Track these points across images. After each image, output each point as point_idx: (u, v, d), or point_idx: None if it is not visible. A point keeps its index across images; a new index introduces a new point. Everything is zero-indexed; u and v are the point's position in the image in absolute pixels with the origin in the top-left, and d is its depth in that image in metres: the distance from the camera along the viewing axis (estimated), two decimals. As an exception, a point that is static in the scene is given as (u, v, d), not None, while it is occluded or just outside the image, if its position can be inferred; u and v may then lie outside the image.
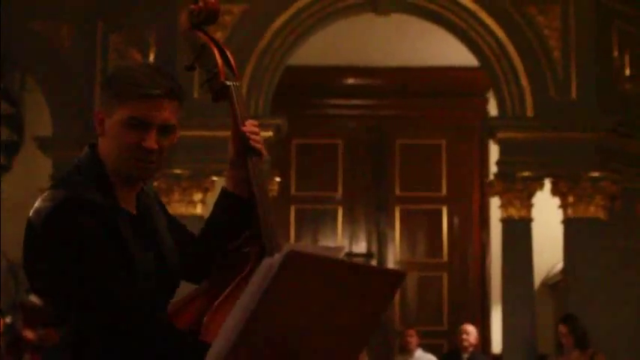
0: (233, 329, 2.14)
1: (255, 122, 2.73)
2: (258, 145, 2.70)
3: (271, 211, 2.67)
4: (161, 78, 2.50)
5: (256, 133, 2.71)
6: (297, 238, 12.27)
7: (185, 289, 2.66)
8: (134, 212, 2.55)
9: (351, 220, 12.56)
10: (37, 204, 2.42)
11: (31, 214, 2.42)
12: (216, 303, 2.49)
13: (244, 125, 2.70)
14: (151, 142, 2.46)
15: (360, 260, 11.77)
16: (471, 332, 10.01)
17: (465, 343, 9.97)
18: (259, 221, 2.64)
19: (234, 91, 2.74)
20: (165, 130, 2.50)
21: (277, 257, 2.13)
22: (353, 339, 2.41)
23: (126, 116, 2.44)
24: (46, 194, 2.43)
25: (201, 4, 2.78)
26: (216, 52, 2.76)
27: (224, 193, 2.76)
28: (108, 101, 2.49)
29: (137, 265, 2.42)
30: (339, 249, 2.43)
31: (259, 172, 2.69)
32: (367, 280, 2.33)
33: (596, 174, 9.79)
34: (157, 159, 2.50)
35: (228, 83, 2.74)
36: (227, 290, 2.52)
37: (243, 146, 2.69)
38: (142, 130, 2.45)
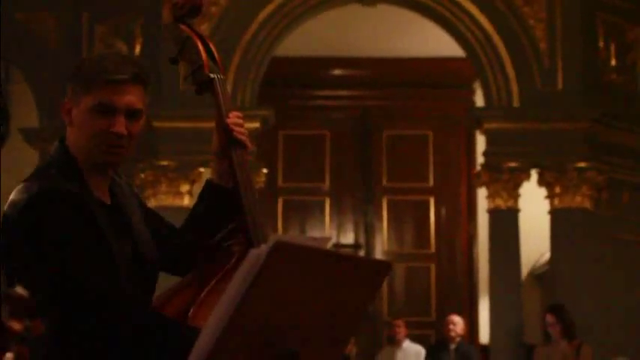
0: (221, 320, 2.14)
1: (240, 114, 2.73)
2: (242, 137, 2.70)
3: (256, 203, 2.67)
4: (125, 64, 2.51)
5: (240, 125, 2.71)
6: (285, 229, 12.27)
7: (169, 282, 2.65)
8: (108, 201, 2.55)
9: (338, 211, 12.56)
10: (11, 197, 2.43)
11: (6, 207, 2.43)
12: (201, 296, 2.48)
13: (228, 117, 2.70)
14: (120, 126, 2.46)
15: (347, 251, 11.78)
16: (457, 323, 10.03)
17: (452, 334, 9.99)
18: (244, 213, 2.63)
19: (218, 83, 2.73)
20: (132, 114, 2.49)
21: (264, 248, 2.12)
22: (340, 329, 2.41)
23: (92, 103, 2.45)
24: (20, 187, 2.43)
25: None
26: (199, 45, 2.76)
27: (208, 184, 2.76)
28: (75, 90, 2.50)
29: (114, 253, 2.42)
30: (325, 239, 2.43)
31: (244, 163, 2.68)
32: (354, 271, 2.34)
33: (582, 164, 9.82)
34: (126, 144, 2.49)
35: (212, 76, 2.73)
36: (212, 283, 2.51)
37: (227, 138, 2.69)
38: (109, 116, 2.46)
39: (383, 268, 2.43)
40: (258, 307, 2.17)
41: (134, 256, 2.51)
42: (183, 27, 2.80)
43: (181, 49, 2.79)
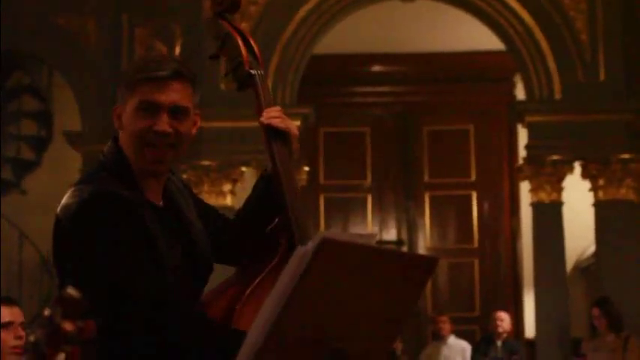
0: (268, 317, 2.14)
1: (279, 108, 2.71)
2: (282, 125, 2.67)
3: (298, 198, 2.66)
4: (167, 61, 2.50)
5: (276, 113, 2.68)
6: (327, 226, 12.26)
7: (220, 277, 2.66)
8: (160, 203, 2.55)
9: (380, 207, 12.54)
10: (64, 200, 2.44)
11: (58, 210, 2.44)
12: (247, 292, 2.49)
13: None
14: (163, 124, 2.45)
15: (393, 247, 11.75)
16: (504, 319, 9.99)
17: (499, 329, 9.94)
18: (286, 208, 2.63)
19: (259, 79, 2.72)
20: (177, 112, 2.48)
21: (311, 244, 2.12)
22: (387, 326, 2.40)
23: (135, 103, 2.45)
24: (72, 190, 2.44)
25: None
26: (239, 40, 2.75)
27: (262, 176, 2.76)
28: (121, 94, 2.50)
29: (164, 257, 2.43)
30: (371, 236, 2.42)
31: (285, 157, 2.67)
32: (401, 267, 2.33)
33: (626, 156, 9.72)
34: (173, 143, 2.48)
35: (252, 72, 2.72)
36: (258, 279, 2.52)
37: (266, 133, 2.68)
38: (152, 115, 2.45)
39: (430, 263, 2.42)
40: (306, 304, 2.17)
41: (188, 254, 2.52)
42: (223, 22, 2.79)
43: (221, 45, 2.78)
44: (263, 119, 2.66)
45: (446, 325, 10.28)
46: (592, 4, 10.02)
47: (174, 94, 2.47)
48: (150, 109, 2.45)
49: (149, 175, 2.52)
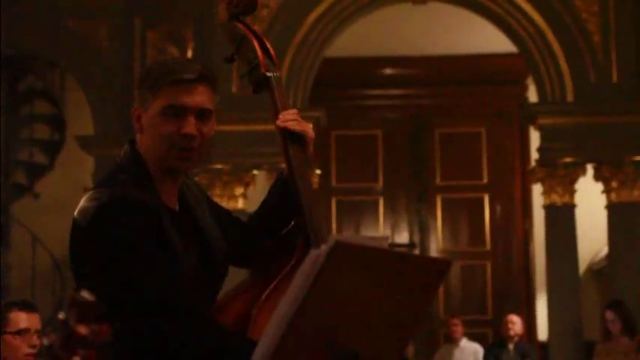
0: (281, 321, 2.14)
1: (295, 110, 2.71)
2: (298, 128, 2.67)
3: (314, 200, 2.66)
4: (191, 64, 2.52)
5: (292, 116, 2.67)
6: (339, 229, 12.26)
7: (234, 280, 2.66)
8: (176, 207, 2.55)
9: (392, 210, 12.54)
10: (81, 204, 2.44)
11: (75, 214, 2.44)
12: (263, 295, 2.48)
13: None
14: (191, 127, 2.46)
15: (405, 250, 11.74)
16: (516, 322, 9.98)
17: (511, 333, 9.93)
18: (303, 211, 2.62)
19: (275, 81, 2.72)
20: (202, 115, 2.50)
21: (324, 248, 2.12)
22: (401, 328, 2.40)
23: (161, 106, 2.44)
24: (90, 194, 2.44)
25: None
26: (255, 43, 2.74)
27: (278, 177, 2.77)
28: (143, 96, 2.49)
29: (180, 262, 2.43)
30: (384, 238, 2.41)
31: (300, 159, 2.66)
32: (414, 269, 2.32)
33: (639, 158, 9.70)
34: (198, 146, 2.49)
35: (269, 74, 2.71)
36: (274, 282, 2.51)
37: (283, 135, 2.68)
38: (179, 118, 2.45)
39: (443, 265, 2.41)
40: (319, 307, 2.17)
41: (203, 257, 2.52)
42: (238, 25, 2.79)
43: (237, 47, 2.77)
44: (279, 122, 2.66)
45: (458, 328, 10.27)
46: (604, 5, 10.00)
47: (200, 97, 2.48)
48: (177, 112, 2.45)
49: (167, 178, 2.52)
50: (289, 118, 2.66)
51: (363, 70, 12.48)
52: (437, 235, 12.47)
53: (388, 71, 12.69)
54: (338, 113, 11.74)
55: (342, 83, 12.29)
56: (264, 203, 2.78)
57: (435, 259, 2.67)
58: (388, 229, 12.40)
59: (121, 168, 2.51)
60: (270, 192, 2.78)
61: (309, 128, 2.70)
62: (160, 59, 2.59)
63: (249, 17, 2.82)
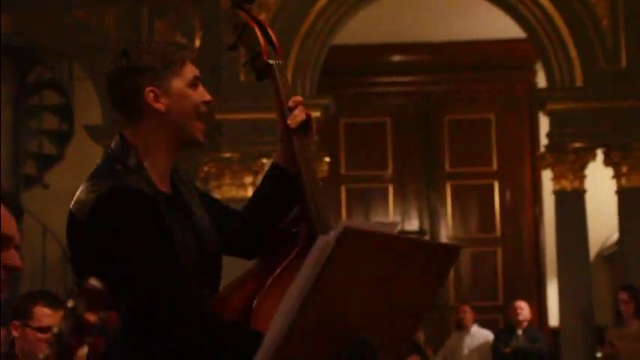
0: (291, 308, 2.14)
1: (300, 98, 2.70)
2: (301, 119, 2.66)
3: (319, 190, 2.65)
4: (178, 43, 2.68)
5: (300, 110, 2.67)
6: (349, 217, 12.25)
7: (238, 268, 2.65)
8: (169, 191, 2.56)
9: (402, 197, 12.53)
10: (79, 195, 2.44)
11: (72, 206, 2.45)
12: (266, 285, 2.48)
13: (288, 104, 2.68)
14: (208, 94, 2.59)
15: (415, 236, 11.73)
16: (524, 307, 10.00)
17: (520, 318, 9.94)
18: (307, 200, 2.62)
19: (278, 69, 2.71)
20: None
21: (333, 234, 2.12)
22: (410, 314, 2.40)
23: (187, 79, 2.54)
24: (87, 186, 2.45)
25: None
26: (257, 30, 2.74)
27: (273, 166, 2.76)
28: (157, 77, 2.51)
29: (181, 249, 2.43)
30: (393, 224, 2.41)
31: (306, 149, 2.66)
32: (423, 255, 2.32)
33: (648, 143, 9.67)
34: None
35: (271, 62, 2.71)
36: (277, 271, 2.51)
37: (287, 124, 2.68)
38: (198, 88, 2.57)
39: (452, 251, 2.41)
40: (328, 294, 2.17)
41: (197, 243, 2.52)
42: (241, 13, 2.79)
43: (240, 35, 2.77)
44: (291, 123, 2.65)
45: (468, 315, 10.28)
46: (612, -11, 9.96)
47: None
48: (197, 83, 2.56)
49: (171, 160, 2.57)
50: (297, 114, 2.66)
51: (371, 58, 12.46)
52: (447, 221, 12.46)
53: (396, 58, 12.67)
54: (346, 101, 11.73)
55: (350, 71, 12.27)
56: (260, 191, 2.77)
57: (444, 245, 2.68)
58: (398, 217, 12.39)
59: (114, 159, 2.52)
60: (265, 180, 2.77)
61: (310, 115, 2.70)
62: (145, 43, 2.60)
63: (252, 5, 2.81)
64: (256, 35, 2.74)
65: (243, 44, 2.78)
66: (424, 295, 2.40)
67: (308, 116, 2.68)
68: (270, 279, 2.49)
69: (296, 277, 2.15)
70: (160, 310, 2.36)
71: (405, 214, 12.46)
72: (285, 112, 2.68)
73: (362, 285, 2.22)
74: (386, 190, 12.54)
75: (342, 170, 12.45)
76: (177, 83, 2.52)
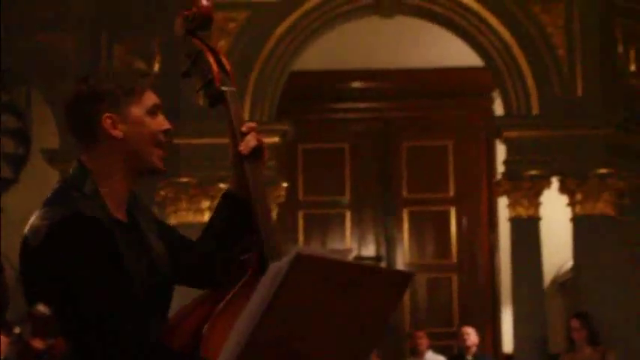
0: (243, 334, 2.14)
1: (253, 124, 2.71)
2: (253, 144, 2.66)
3: (270, 216, 2.66)
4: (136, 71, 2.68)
5: (252, 136, 2.68)
6: (306, 243, 12.25)
7: (189, 295, 2.65)
8: (125, 219, 2.56)
9: (359, 223, 12.55)
10: (33, 221, 2.43)
11: (26, 231, 2.43)
12: (216, 311, 2.48)
13: (241, 129, 2.69)
14: (167, 122, 2.60)
15: (369, 262, 11.74)
16: (470, 333, 10.10)
17: (468, 343, 10.03)
18: (258, 227, 2.62)
19: (230, 96, 2.73)
20: None
21: (285, 260, 2.13)
22: (362, 340, 2.40)
23: (146, 107, 2.54)
24: (41, 212, 2.43)
25: (194, 9, 2.77)
26: (211, 57, 2.75)
27: (225, 194, 2.76)
28: (115, 103, 2.51)
29: (132, 277, 2.43)
30: (347, 251, 2.42)
31: (258, 176, 2.67)
32: (376, 282, 2.33)
33: (603, 171, 9.76)
34: None
35: (224, 88, 2.73)
36: (226, 299, 2.50)
37: (239, 150, 2.68)
38: (157, 117, 2.57)
39: (405, 278, 2.43)
40: (280, 319, 2.17)
41: (150, 272, 2.52)
42: (194, 40, 2.80)
43: (193, 62, 2.78)
44: (243, 149, 2.65)
45: (423, 341, 10.31)
46: (569, 19, 10.08)
47: None
48: (156, 112, 2.56)
49: (128, 187, 2.55)
50: (249, 140, 2.66)
51: (331, 84, 12.51)
52: (403, 248, 12.50)
53: (356, 84, 12.73)
54: (305, 127, 11.75)
55: (309, 97, 12.29)
56: (213, 220, 2.77)
57: (396, 272, 2.68)
58: (355, 242, 12.41)
59: (70, 184, 2.51)
60: (218, 208, 2.77)
61: (263, 140, 2.71)
62: (102, 72, 2.61)
63: (205, 33, 2.82)
64: (209, 62, 2.75)
65: (197, 71, 2.79)
66: (376, 321, 2.41)
67: (260, 142, 2.68)
68: (221, 305, 2.49)
69: (249, 303, 2.16)
70: (105, 340, 2.35)
71: (362, 240, 12.48)
72: (237, 138, 2.68)
73: (314, 310, 2.23)
74: (343, 216, 12.56)
75: (300, 196, 12.46)
76: (136, 111, 2.52)
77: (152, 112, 2.54)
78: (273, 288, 2.12)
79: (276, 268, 2.13)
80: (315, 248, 2.97)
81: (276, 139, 9.92)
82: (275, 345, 2.19)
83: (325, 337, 2.28)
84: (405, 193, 12.57)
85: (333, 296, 2.24)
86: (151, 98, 2.55)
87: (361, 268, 2.39)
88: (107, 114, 2.51)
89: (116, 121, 2.51)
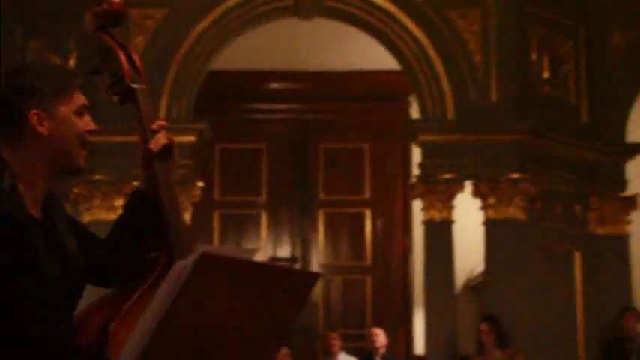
0: (146, 332, 2.13)
1: (163, 123, 2.71)
2: (163, 143, 2.66)
3: (180, 215, 2.66)
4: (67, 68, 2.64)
5: (162, 134, 2.67)
6: (222, 243, 12.21)
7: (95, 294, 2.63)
8: (39, 215, 2.53)
9: (275, 224, 12.55)
10: None
11: None
12: (123, 310, 2.46)
13: (151, 127, 2.68)
14: (93, 123, 2.59)
15: (277, 263, 11.74)
16: (379, 334, 10.21)
17: (377, 344, 10.14)
18: (167, 226, 2.61)
19: (140, 93, 2.71)
20: None
21: (190, 259, 2.12)
22: (268, 340, 2.41)
23: (75, 106, 2.52)
24: None
25: (104, 5, 2.75)
26: (121, 54, 2.73)
27: (134, 192, 2.75)
28: (44, 100, 2.48)
29: (45, 275, 2.40)
30: (253, 251, 2.43)
31: (167, 174, 2.66)
32: (282, 281, 2.34)
33: (515, 176, 9.88)
34: None
35: (134, 86, 2.71)
36: (134, 296, 2.49)
37: (150, 153, 2.67)
38: (84, 117, 2.55)
39: (311, 278, 2.45)
40: (185, 318, 2.17)
41: (64, 270, 2.49)
42: (104, 36, 2.78)
43: (102, 59, 2.76)
44: (153, 147, 2.64)
45: (336, 342, 10.35)
46: (485, 26, 10.20)
47: None
48: (84, 112, 2.55)
49: (47, 184, 2.53)
50: (160, 139, 2.65)
51: (249, 84, 12.49)
52: (318, 249, 12.53)
53: (274, 85, 12.73)
54: (223, 126, 11.70)
55: (227, 96, 12.27)
56: (121, 218, 2.76)
57: (302, 272, 2.71)
58: (270, 243, 12.41)
59: None
60: (127, 206, 2.76)
61: (173, 139, 2.70)
62: (35, 64, 2.59)
63: (116, 29, 2.80)
64: (119, 59, 2.74)
65: (107, 68, 2.77)
66: (283, 321, 2.42)
67: (170, 141, 2.68)
68: (128, 303, 2.48)
69: (152, 300, 2.15)
70: (9, 340, 2.32)
71: (277, 241, 12.48)
72: (147, 136, 2.67)
73: (220, 309, 2.23)
74: (259, 217, 12.55)
75: (216, 196, 12.42)
76: (64, 109, 2.50)
77: (80, 112, 2.53)
78: (177, 286, 2.11)
79: (181, 266, 2.13)
80: (222, 247, 2.96)
81: (192, 139, 9.87)
82: (179, 343, 2.19)
83: (231, 335, 2.28)
84: (321, 195, 12.61)
85: (238, 295, 2.25)
86: (80, 98, 2.53)
87: (267, 267, 2.40)
88: (35, 110, 2.48)
89: (43, 118, 2.48)
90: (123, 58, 2.73)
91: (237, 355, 2.31)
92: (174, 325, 2.15)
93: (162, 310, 2.11)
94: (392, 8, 10.20)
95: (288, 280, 2.38)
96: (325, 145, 12.70)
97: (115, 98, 2.76)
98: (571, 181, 10.47)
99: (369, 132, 12.67)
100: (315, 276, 2.44)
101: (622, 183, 10.67)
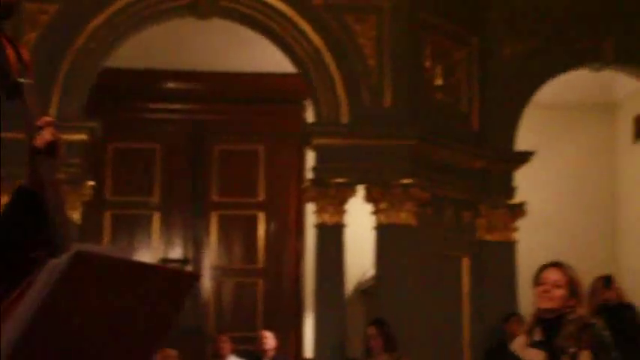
0: (17, 329, 2.09)
1: (50, 119, 2.67)
2: (48, 139, 2.62)
3: (65, 213, 2.62)
4: None
5: (48, 131, 2.64)
6: (113, 243, 12.07)
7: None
8: None
9: (167, 225, 12.45)
10: None
11: None
12: (2, 308, 2.41)
13: (37, 124, 2.64)
14: None
15: (174, 265, 11.68)
16: (268, 337, 10.32)
17: (266, 347, 10.22)
18: (50, 223, 2.58)
19: (27, 88, 2.67)
20: None
21: (64, 257, 2.10)
22: (145, 340, 2.39)
23: None
24: None
25: None
26: (8, 48, 2.69)
27: (18, 188, 2.70)
28: None
29: None
30: (130, 250, 2.41)
31: (52, 172, 2.62)
32: (158, 281, 2.33)
33: (407, 181, 9.93)
34: None
35: (20, 81, 2.67)
36: (12, 296, 2.44)
37: (33, 145, 2.63)
38: None
39: (189, 279, 2.44)
40: (58, 316, 2.14)
41: None
42: None
43: None
44: (37, 144, 2.60)
45: (226, 345, 10.35)
46: (381, 32, 10.27)
47: None
48: None
49: None
50: (46, 135, 2.61)
51: (145, 83, 12.37)
52: (211, 251, 12.47)
53: (170, 85, 12.63)
54: (116, 125, 11.56)
55: (122, 95, 12.14)
56: (3, 214, 2.70)
57: (180, 272, 2.71)
58: (162, 244, 12.33)
59: None
60: (9, 204, 2.71)
61: (59, 136, 2.66)
62: None
63: (3, 21, 2.74)
64: (5, 53, 2.68)
65: None
66: (161, 321, 2.41)
67: (56, 137, 2.64)
68: (5, 303, 2.43)
69: (24, 298, 2.12)
70: None
71: (169, 242, 12.40)
72: (33, 132, 2.63)
73: (96, 308, 2.21)
74: (151, 218, 12.44)
75: (108, 195, 12.26)
76: None
77: None
78: (48, 284, 2.08)
79: (54, 264, 2.10)
80: (97, 247, 2.94)
81: (84, 137, 9.72)
82: (52, 342, 2.15)
83: (106, 335, 2.26)
84: (214, 197, 12.56)
85: (115, 294, 2.23)
86: None
87: (144, 267, 2.38)
88: None
89: None
90: (10, 51, 2.68)
91: (113, 355, 2.29)
92: (47, 323, 2.12)
93: (33, 308, 2.08)
94: (289, 11, 10.20)
95: (166, 280, 2.36)
96: (220, 146, 12.66)
97: (2, 93, 2.70)
98: (461, 188, 10.60)
99: (264, 134, 12.67)
100: (193, 277, 2.44)
101: (510, 190, 10.85)
